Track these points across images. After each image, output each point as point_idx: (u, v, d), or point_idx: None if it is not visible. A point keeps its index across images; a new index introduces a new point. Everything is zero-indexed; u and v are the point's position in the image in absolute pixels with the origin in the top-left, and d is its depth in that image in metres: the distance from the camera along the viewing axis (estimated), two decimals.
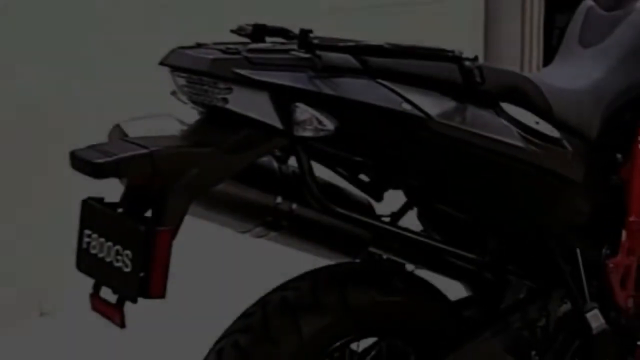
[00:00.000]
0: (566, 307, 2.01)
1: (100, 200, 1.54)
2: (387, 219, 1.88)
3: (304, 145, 1.58)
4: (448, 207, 1.90)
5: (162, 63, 1.60)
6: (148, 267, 1.42)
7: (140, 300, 1.44)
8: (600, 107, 1.99)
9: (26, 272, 3.30)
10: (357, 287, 1.71)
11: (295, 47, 1.58)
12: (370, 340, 1.87)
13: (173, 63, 1.59)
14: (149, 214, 1.47)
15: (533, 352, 1.96)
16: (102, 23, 3.48)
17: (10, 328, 3.19)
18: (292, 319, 1.64)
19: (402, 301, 1.77)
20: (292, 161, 1.66)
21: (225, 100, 1.52)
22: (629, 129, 2.08)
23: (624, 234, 2.07)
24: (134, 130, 1.58)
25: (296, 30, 1.61)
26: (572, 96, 1.95)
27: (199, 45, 1.60)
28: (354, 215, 1.70)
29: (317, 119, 1.54)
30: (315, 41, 1.56)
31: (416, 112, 1.63)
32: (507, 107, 1.78)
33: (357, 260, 1.85)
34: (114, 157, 1.41)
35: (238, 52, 1.53)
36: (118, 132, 1.60)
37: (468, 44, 5.10)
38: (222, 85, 1.52)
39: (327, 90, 1.56)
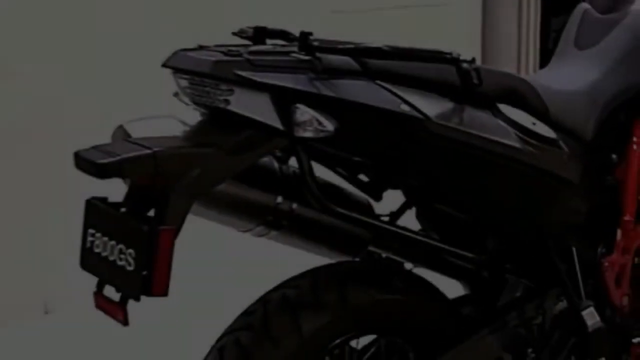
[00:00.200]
0: (562, 305, 2.00)
1: (103, 200, 1.54)
2: (386, 219, 1.87)
3: (304, 145, 1.58)
4: (446, 206, 1.90)
5: (164, 65, 1.60)
6: (151, 266, 1.41)
7: (143, 298, 1.44)
8: (595, 109, 1.99)
9: (31, 271, 3.30)
10: (356, 286, 1.71)
11: (295, 49, 1.58)
12: (369, 338, 1.87)
13: (175, 65, 1.58)
14: (151, 213, 1.47)
15: (529, 350, 1.96)
16: (105, 25, 3.48)
17: (16, 326, 3.19)
18: (293, 317, 1.63)
19: (401, 299, 1.76)
20: (293, 161, 1.66)
21: (227, 102, 1.52)
22: (623, 130, 2.08)
23: (619, 233, 2.07)
24: (137, 131, 1.58)
25: (297, 33, 1.61)
26: (568, 98, 1.95)
27: (201, 48, 1.60)
28: (354, 214, 1.70)
29: (317, 120, 1.53)
30: (316, 43, 1.56)
31: (415, 113, 1.63)
32: (504, 108, 1.78)
33: (357, 259, 1.85)
34: (118, 158, 1.41)
35: (239, 54, 1.53)
36: (121, 133, 1.60)
37: (466, 46, 5.10)
38: (223, 87, 1.51)
39: (327, 92, 1.55)
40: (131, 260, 1.44)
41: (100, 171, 1.41)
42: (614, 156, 2.06)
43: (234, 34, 1.78)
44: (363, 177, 1.89)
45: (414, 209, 1.98)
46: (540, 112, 1.84)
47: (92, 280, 1.54)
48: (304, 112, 1.53)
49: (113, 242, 1.48)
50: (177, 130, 1.59)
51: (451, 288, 1.99)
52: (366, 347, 1.87)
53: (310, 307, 1.66)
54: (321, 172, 1.71)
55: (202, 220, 1.64)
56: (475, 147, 1.70)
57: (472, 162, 1.73)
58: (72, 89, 3.40)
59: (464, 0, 5.50)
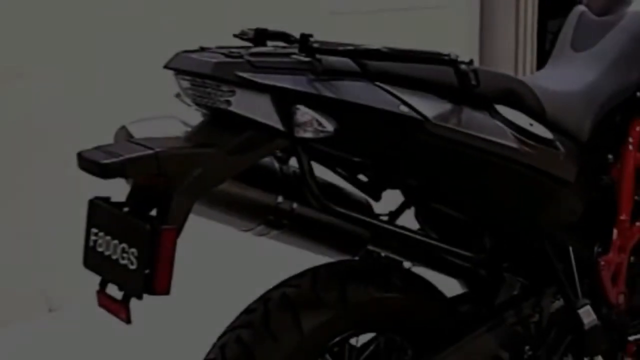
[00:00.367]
0: (559, 303, 2.00)
1: (106, 199, 1.54)
2: (385, 218, 1.87)
3: (305, 146, 1.58)
4: (444, 206, 1.90)
5: (166, 66, 1.60)
6: (153, 265, 1.41)
7: (145, 296, 1.44)
8: (591, 110, 1.99)
9: (35, 269, 3.30)
10: (356, 284, 1.71)
11: (296, 51, 1.58)
12: (368, 336, 1.86)
13: (177, 66, 1.58)
14: (154, 213, 1.47)
15: (527, 347, 1.96)
16: (107, 28, 3.48)
17: (21, 323, 3.19)
18: (293, 315, 1.63)
19: (400, 298, 1.76)
20: (293, 162, 1.66)
21: (228, 103, 1.51)
22: (619, 130, 2.08)
23: (615, 232, 2.07)
24: (139, 132, 1.58)
25: (297, 35, 1.61)
26: (565, 99, 1.95)
27: (202, 49, 1.60)
28: (353, 214, 1.69)
29: (317, 120, 1.53)
30: (316, 45, 1.56)
31: (413, 114, 1.62)
32: (501, 109, 1.78)
33: (356, 258, 1.85)
34: (120, 158, 1.41)
35: (240, 56, 1.53)
36: (124, 134, 1.60)
37: (464, 47, 5.11)
38: (225, 88, 1.51)
39: (327, 93, 1.55)
40: (134, 259, 1.44)
41: (103, 171, 1.41)
42: (609, 156, 2.06)
43: (235, 35, 1.78)
44: (362, 177, 1.88)
45: (412, 209, 1.98)
46: (537, 113, 1.84)
47: (95, 279, 1.54)
48: (304, 113, 1.53)
49: (116, 241, 1.48)
50: (178, 130, 1.59)
51: (449, 286, 1.99)
52: (365, 345, 1.87)
53: (310, 305, 1.65)
54: (321, 172, 1.71)
55: (203, 220, 1.64)
56: (473, 148, 1.70)
57: (470, 162, 1.73)
58: (75, 91, 3.40)
59: (462, 3, 5.50)
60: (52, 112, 3.34)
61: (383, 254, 1.92)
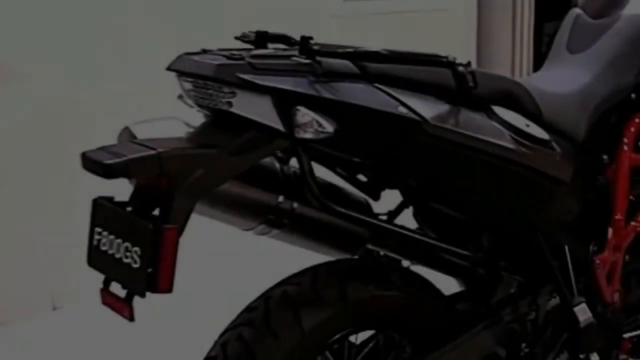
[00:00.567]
0: (555, 301, 2.00)
1: (110, 199, 1.54)
2: (384, 218, 1.87)
3: (305, 147, 1.58)
4: (443, 206, 1.90)
5: (169, 68, 1.60)
6: (156, 263, 1.41)
7: (148, 294, 1.44)
8: (587, 111, 1.99)
9: (39, 268, 3.30)
10: (355, 283, 1.70)
11: (296, 53, 1.58)
12: (368, 333, 1.86)
13: (180, 68, 1.58)
14: (156, 212, 1.47)
15: (523, 345, 1.96)
16: (111, 31, 3.48)
17: (25, 321, 3.19)
18: (294, 313, 1.63)
19: (399, 296, 1.76)
20: (294, 162, 1.66)
21: (230, 104, 1.51)
22: (614, 131, 2.08)
23: (610, 231, 2.07)
24: (142, 133, 1.58)
25: (297, 37, 1.61)
26: (561, 100, 1.95)
27: (204, 52, 1.60)
28: (353, 213, 1.69)
29: (317, 121, 1.53)
30: (316, 47, 1.55)
31: (412, 115, 1.62)
32: (498, 110, 1.78)
33: (356, 257, 1.84)
34: (123, 158, 1.41)
35: (242, 58, 1.53)
36: (127, 134, 1.60)
37: (461, 50, 5.11)
38: (226, 90, 1.51)
39: (326, 95, 1.55)
40: (137, 258, 1.44)
41: (107, 171, 1.41)
42: (605, 157, 2.06)
43: (237, 38, 1.78)
44: (362, 177, 1.88)
45: (411, 208, 1.98)
46: (533, 114, 1.84)
47: (99, 277, 1.54)
48: (304, 114, 1.53)
49: (119, 240, 1.48)
50: (181, 131, 1.59)
51: (447, 285, 1.99)
52: (364, 342, 1.87)
53: (311, 303, 1.65)
54: (321, 172, 1.71)
55: (205, 219, 1.64)
56: (470, 148, 1.70)
57: (467, 163, 1.73)
58: (80, 92, 3.40)
59: (459, 6, 5.50)
60: (58, 113, 3.34)
61: (382, 253, 1.92)
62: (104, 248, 1.52)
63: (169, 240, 1.42)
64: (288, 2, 4.14)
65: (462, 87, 1.66)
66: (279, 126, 1.53)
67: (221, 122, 1.56)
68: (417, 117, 1.63)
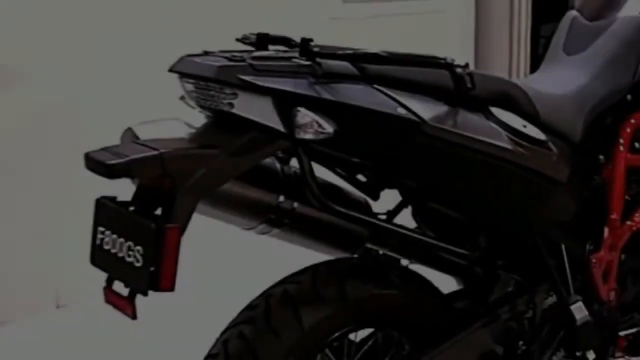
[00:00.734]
0: (552, 299, 2.00)
1: (113, 199, 1.54)
2: (384, 217, 1.87)
3: (305, 147, 1.58)
4: (441, 205, 1.90)
5: (171, 70, 1.60)
6: (158, 262, 1.42)
7: (150, 293, 1.44)
8: (583, 112, 1.99)
9: (43, 267, 3.30)
10: (355, 281, 1.71)
11: (296, 55, 1.58)
12: (367, 331, 1.86)
13: (182, 70, 1.58)
14: (159, 212, 1.47)
15: (520, 342, 1.96)
16: (114, 33, 3.48)
17: (29, 319, 3.19)
18: (294, 311, 1.63)
19: (398, 294, 1.76)
20: (294, 162, 1.66)
21: (231, 105, 1.52)
22: (610, 132, 2.07)
23: (606, 231, 2.07)
24: (144, 133, 1.58)
25: (298, 39, 1.61)
26: (558, 101, 1.95)
27: (206, 53, 1.60)
28: (352, 213, 1.69)
29: (318, 122, 1.53)
30: (316, 49, 1.56)
31: (411, 116, 1.63)
32: (496, 111, 1.78)
33: (355, 256, 1.85)
34: (126, 159, 1.41)
35: (243, 60, 1.53)
36: (130, 135, 1.60)
37: (459, 51, 5.11)
38: (227, 91, 1.51)
39: (326, 96, 1.55)
40: (139, 257, 1.44)
41: (110, 171, 1.42)
42: (601, 157, 2.06)
43: (238, 40, 1.78)
44: (361, 178, 1.88)
45: (409, 208, 1.98)
46: (530, 115, 1.84)
47: (102, 276, 1.54)
48: (304, 115, 1.53)
49: (122, 240, 1.48)
50: (183, 132, 1.59)
51: (445, 283, 1.99)
52: (364, 340, 1.87)
53: (311, 301, 1.66)
54: (321, 172, 1.71)
55: (207, 219, 1.64)
56: (468, 149, 1.70)
57: (465, 163, 1.73)
58: (83, 93, 3.40)
59: (457, 8, 5.50)
60: (63, 113, 3.34)
61: (381, 252, 1.92)
62: (107, 247, 1.52)
63: (171, 239, 1.42)
64: (288, 4, 4.14)
65: (460, 89, 1.67)
66: (280, 127, 1.53)
67: (223, 123, 1.56)
68: (415, 118, 1.63)
